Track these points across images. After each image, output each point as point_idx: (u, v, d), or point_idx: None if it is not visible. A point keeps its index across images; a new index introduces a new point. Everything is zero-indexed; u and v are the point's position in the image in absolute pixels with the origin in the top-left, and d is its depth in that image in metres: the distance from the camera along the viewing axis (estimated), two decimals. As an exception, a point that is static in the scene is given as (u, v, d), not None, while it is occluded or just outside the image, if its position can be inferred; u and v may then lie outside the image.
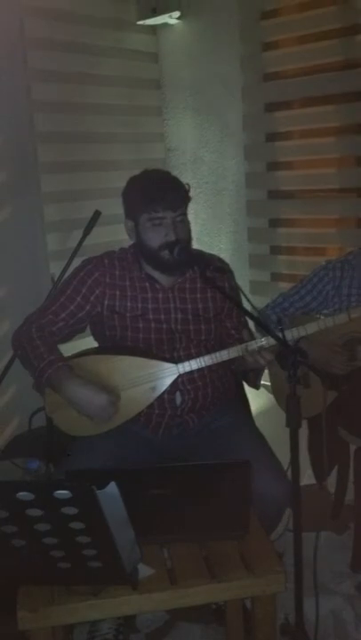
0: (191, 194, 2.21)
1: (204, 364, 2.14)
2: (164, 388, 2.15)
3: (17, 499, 1.37)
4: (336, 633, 2.19)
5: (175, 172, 2.30)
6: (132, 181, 2.23)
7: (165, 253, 2.14)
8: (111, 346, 2.27)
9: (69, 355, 2.29)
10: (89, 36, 3.50)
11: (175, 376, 2.15)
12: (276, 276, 3.85)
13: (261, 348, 2.04)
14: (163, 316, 2.23)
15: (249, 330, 2.27)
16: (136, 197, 2.19)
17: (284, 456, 1.84)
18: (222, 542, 1.76)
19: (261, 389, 2.42)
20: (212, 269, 2.15)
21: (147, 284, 2.24)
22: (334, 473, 2.73)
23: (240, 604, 2.02)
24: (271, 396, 2.74)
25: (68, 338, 2.32)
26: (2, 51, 2.96)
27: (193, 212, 2.30)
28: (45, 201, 3.24)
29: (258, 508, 1.87)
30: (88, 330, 2.35)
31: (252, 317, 2.03)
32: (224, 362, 2.15)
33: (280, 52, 3.59)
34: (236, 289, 2.32)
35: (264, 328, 1.99)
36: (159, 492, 1.62)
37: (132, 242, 2.28)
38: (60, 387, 2.07)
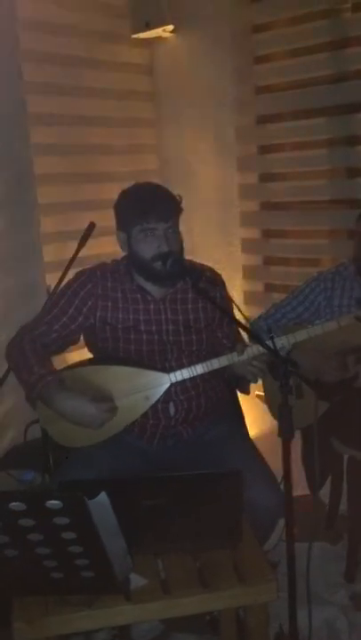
0: (184, 205, 2.22)
1: (195, 373, 2.15)
2: (157, 397, 2.16)
3: (9, 509, 1.38)
4: (330, 643, 2.20)
5: (169, 184, 2.31)
6: (124, 194, 2.25)
7: (158, 264, 2.16)
8: (104, 357, 2.28)
9: (64, 367, 2.30)
10: (84, 49, 3.52)
11: (168, 385, 2.16)
12: (269, 287, 3.86)
13: (252, 358, 2.06)
14: (154, 328, 2.24)
15: (242, 341, 2.28)
16: (128, 209, 2.21)
17: (278, 466, 1.85)
18: (215, 552, 1.76)
19: (256, 400, 2.44)
20: (204, 280, 2.17)
21: (138, 296, 2.25)
22: (328, 483, 2.74)
23: (234, 614, 2.03)
24: (265, 407, 2.75)
25: (61, 349, 2.34)
26: (-3, 64, 2.99)
27: (186, 224, 2.30)
28: (41, 212, 3.26)
29: (251, 519, 1.88)
30: (82, 341, 2.37)
31: (243, 327, 2.05)
32: (217, 372, 2.17)
33: (272, 65, 3.61)
34: (228, 299, 2.34)
35: (255, 337, 2.01)
36: (151, 501, 1.63)
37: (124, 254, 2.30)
38: (50, 401, 2.09)
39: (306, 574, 1.94)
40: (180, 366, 2.19)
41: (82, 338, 2.35)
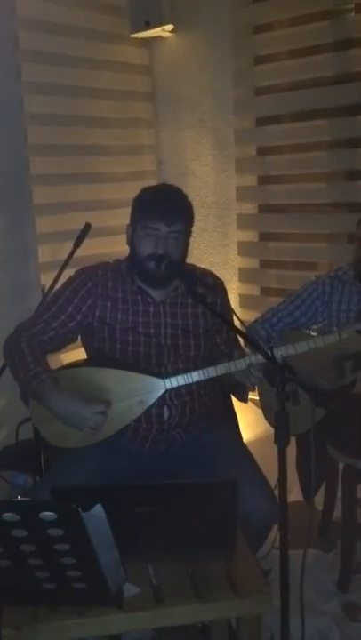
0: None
1: (191, 380, 2.13)
2: (151, 402, 2.14)
3: (3, 519, 1.36)
4: (322, 653, 2.19)
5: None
6: (143, 190, 2.27)
7: (152, 264, 2.15)
8: (100, 358, 2.26)
9: (58, 366, 2.28)
10: (83, 48, 3.50)
11: (162, 391, 2.14)
12: (265, 291, 3.84)
13: (250, 366, 2.04)
14: (152, 330, 2.22)
15: (241, 349, 2.27)
16: (138, 205, 2.23)
17: (272, 473, 1.84)
18: (209, 561, 1.74)
19: (250, 404, 2.42)
20: (201, 285, 2.16)
21: (139, 297, 2.24)
22: (322, 490, 2.73)
23: (226, 624, 2.00)
24: (260, 412, 2.74)
25: (58, 347, 2.32)
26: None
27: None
28: (37, 213, 3.24)
29: (244, 526, 1.86)
30: (79, 341, 2.35)
31: (241, 335, 2.03)
32: (212, 377, 2.15)
33: (272, 65, 3.59)
34: (228, 306, 2.32)
35: (254, 345, 2.00)
36: (145, 509, 1.61)
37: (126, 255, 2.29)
38: (44, 399, 2.08)
39: (300, 583, 1.93)
40: (176, 370, 2.18)
41: (79, 337, 2.33)
